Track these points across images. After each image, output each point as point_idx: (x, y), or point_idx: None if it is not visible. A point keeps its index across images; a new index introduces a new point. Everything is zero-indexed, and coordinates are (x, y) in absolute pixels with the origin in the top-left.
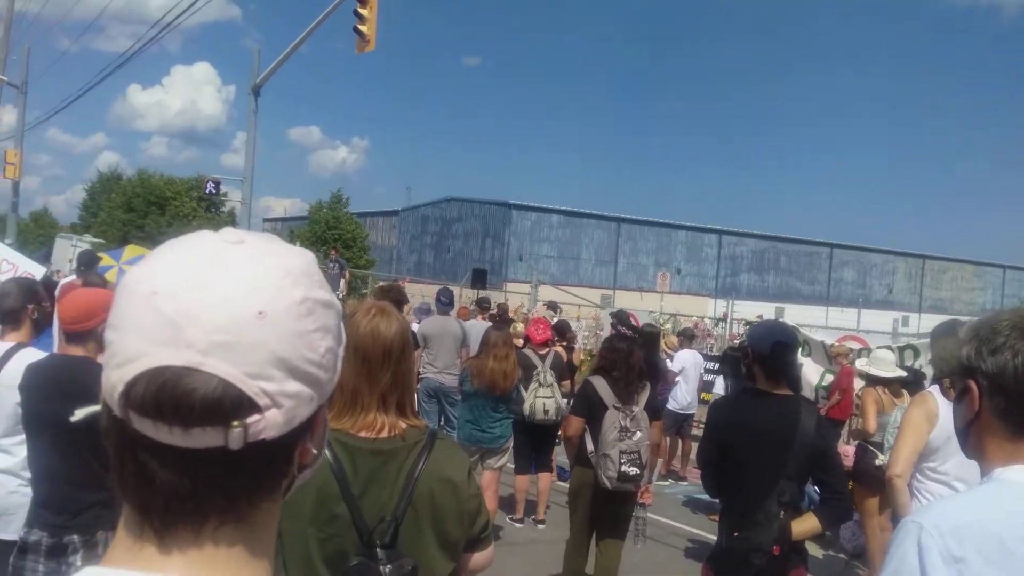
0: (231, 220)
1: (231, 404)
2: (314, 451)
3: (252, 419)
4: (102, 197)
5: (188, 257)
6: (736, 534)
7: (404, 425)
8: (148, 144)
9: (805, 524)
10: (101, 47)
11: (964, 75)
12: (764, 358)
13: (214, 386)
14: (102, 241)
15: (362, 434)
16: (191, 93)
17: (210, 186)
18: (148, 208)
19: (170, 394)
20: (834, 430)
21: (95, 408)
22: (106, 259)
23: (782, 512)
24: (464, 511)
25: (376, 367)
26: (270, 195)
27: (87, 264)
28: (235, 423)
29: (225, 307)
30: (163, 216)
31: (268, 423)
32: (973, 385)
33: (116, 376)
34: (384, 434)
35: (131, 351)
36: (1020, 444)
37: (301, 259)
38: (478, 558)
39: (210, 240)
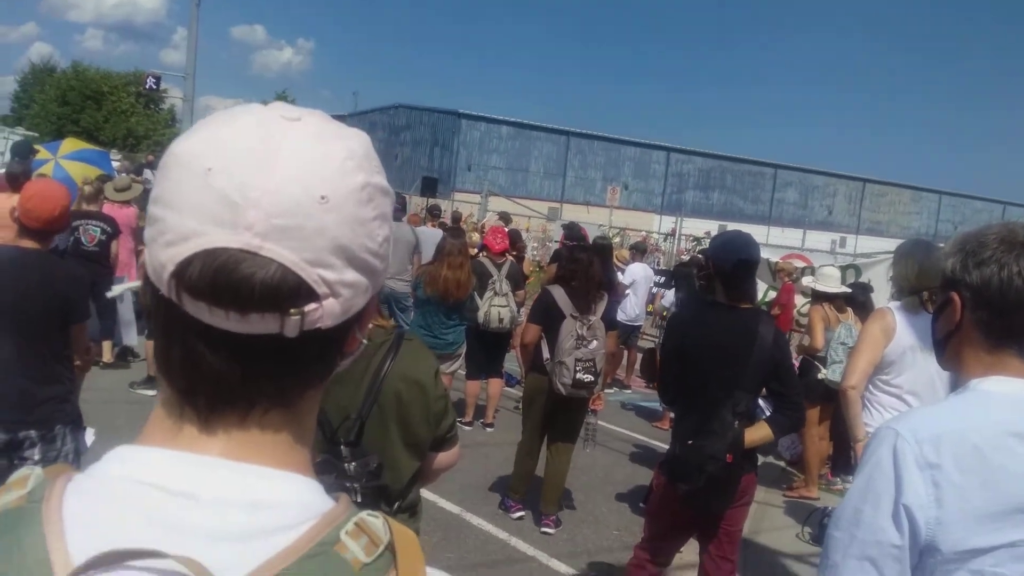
0: (171, 117)
1: (290, 291)
2: (364, 341)
3: (310, 307)
4: (35, 89)
5: (243, 132)
6: (691, 442)
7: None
8: (83, 36)
9: (758, 433)
10: None
11: (909, 5)
12: (727, 274)
13: (273, 271)
14: (35, 134)
15: None
16: None
17: (150, 81)
18: (84, 102)
19: (228, 278)
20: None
21: (132, 284)
22: (43, 152)
23: (736, 422)
24: (431, 411)
25: None
26: (211, 94)
27: (22, 155)
28: (293, 311)
29: (287, 189)
30: (99, 111)
31: (326, 312)
32: (956, 297)
33: (166, 255)
34: None
35: (184, 229)
36: (998, 356)
37: (361, 141)
38: (443, 457)
39: (265, 114)
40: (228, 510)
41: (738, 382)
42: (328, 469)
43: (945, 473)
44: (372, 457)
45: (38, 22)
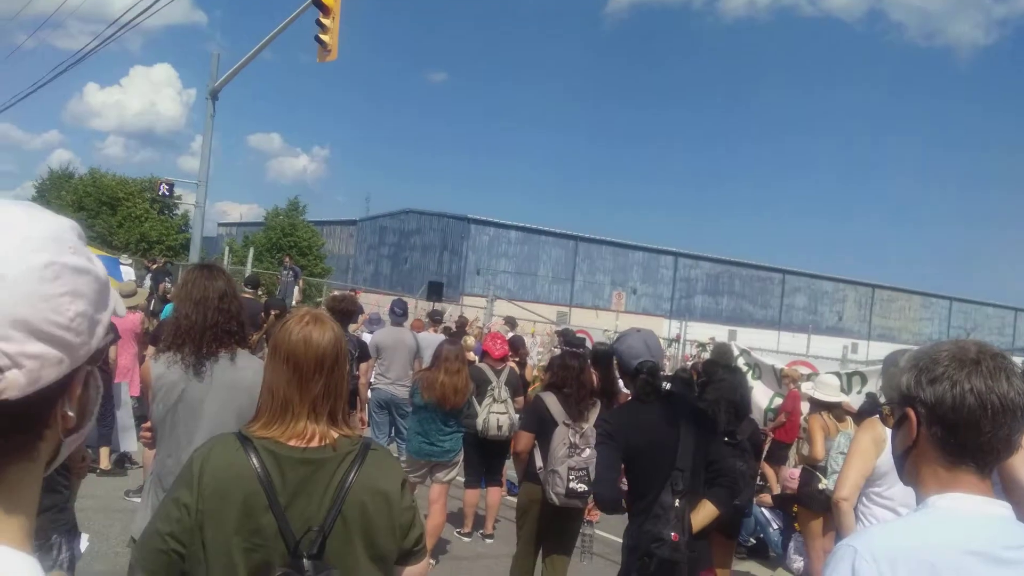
0: (184, 223)
1: None
2: (72, 415)
3: None
4: (52, 195)
5: None
6: (637, 530)
7: (336, 435)
8: (104, 144)
9: (702, 512)
10: (60, 44)
11: (918, 118)
12: (633, 376)
13: None
14: None
15: (292, 443)
16: (150, 94)
17: (163, 188)
18: (99, 208)
19: None
20: (780, 451)
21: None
22: None
23: (677, 501)
24: (396, 524)
25: (307, 375)
26: (227, 200)
27: None
28: None
29: None
30: (114, 217)
31: (8, 383)
32: (912, 413)
33: None
34: (315, 443)
35: None
36: (955, 472)
37: (49, 225)
38: (411, 572)
39: None
40: None
41: (672, 463)
42: None
43: None
44: (334, 572)
45: (61, 130)
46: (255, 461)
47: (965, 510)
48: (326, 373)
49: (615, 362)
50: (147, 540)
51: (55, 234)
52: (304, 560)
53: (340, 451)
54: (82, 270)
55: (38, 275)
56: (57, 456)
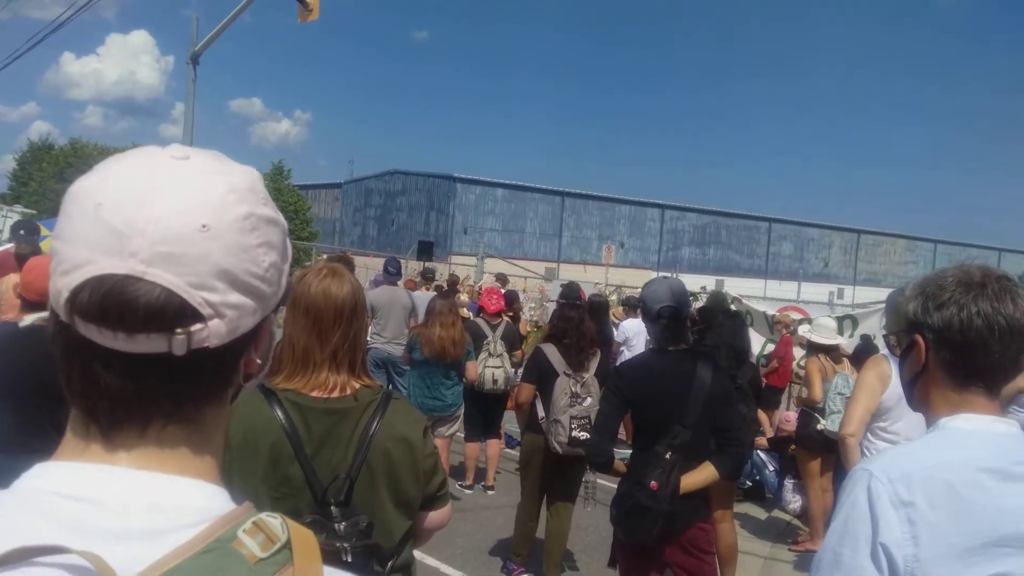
0: None
1: (174, 312)
2: (259, 361)
3: (195, 327)
4: (33, 167)
5: (134, 171)
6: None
7: (357, 385)
8: (83, 114)
9: (701, 473)
10: (34, 15)
11: (901, 57)
12: (653, 321)
13: (157, 294)
14: (33, 212)
15: (314, 394)
16: (128, 62)
17: None
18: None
19: (115, 301)
20: (773, 396)
21: (43, 314)
22: (43, 229)
23: (669, 453)
24: (420, 470)
25: (327, 327)
26: None
27: (28, 232)
28: (178, 331)
29: (169, 219)
30: None
31: (211, 332)
32: (920, 340)
33: (62, 283)
34: (336, 393)
35: (76, 259)
36: (965, 394)
37: (245, 176)
38: (434, 516)
39: (156, 154)
40: (130, 512)
41: (677, 418)
42: (318, 529)
43: (919, 511)
44: (361, 517)
45: (38, 101)
46: (279, 412)
47: (976, 429)
48: (345, 324)
49: (640, 309)
50: None
51: (252, 184)
52: (332, 507)
53: (362, 401)
54: (273, 221)
55: (239, 226)
56: (235, 398)
